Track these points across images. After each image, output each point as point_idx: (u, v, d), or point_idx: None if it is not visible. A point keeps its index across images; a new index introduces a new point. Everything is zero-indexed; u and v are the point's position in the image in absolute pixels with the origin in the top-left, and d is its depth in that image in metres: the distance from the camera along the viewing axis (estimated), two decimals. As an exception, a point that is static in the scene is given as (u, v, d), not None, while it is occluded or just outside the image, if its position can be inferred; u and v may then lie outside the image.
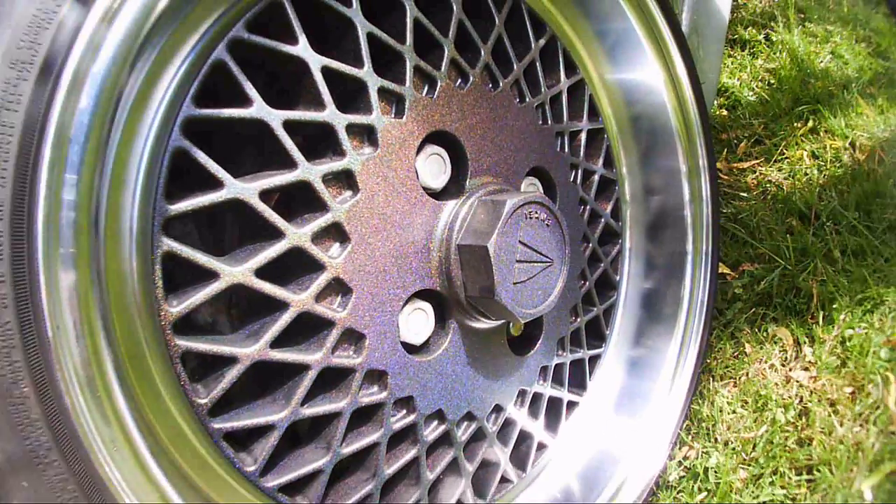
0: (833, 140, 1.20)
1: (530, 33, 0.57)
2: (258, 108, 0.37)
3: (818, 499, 0.69)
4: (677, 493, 0.71)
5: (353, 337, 0.42)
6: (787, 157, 1.16)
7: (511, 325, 0.57)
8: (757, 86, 1.42)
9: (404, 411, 0.47)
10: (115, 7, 0.31)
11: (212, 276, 0.37)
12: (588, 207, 0.65)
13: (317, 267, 0.40)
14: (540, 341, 0.58)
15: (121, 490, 0.34)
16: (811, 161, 1.15)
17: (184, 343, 0.37)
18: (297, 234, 0.39)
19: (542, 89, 0.58)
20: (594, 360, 0.68)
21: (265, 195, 0.38)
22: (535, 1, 0.59)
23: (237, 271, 0.37)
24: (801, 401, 0.76)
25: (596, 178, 0.67)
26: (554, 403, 0.63)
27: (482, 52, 0.51)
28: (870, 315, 0.84)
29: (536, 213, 0.49)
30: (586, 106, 0.64)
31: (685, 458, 0.73)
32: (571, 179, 0.63)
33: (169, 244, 0.36)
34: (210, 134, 0.38)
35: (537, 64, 0.57)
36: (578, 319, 0.64)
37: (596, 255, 0.67)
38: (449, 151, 0.49)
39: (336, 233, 0.41)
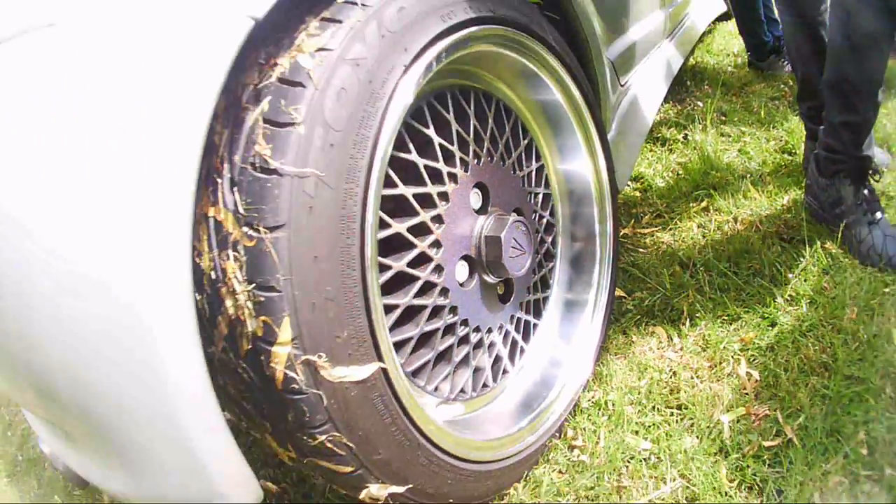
0: (719, 216, 1.86)
1: (521, 137, 1.23)
2: (414, 156, 1.00)
3: (686, 424, 1.25)
4: (588, 415, 1.31)
5: (438, 269, 1.04)
6: (679, 227, 1.83)
7: (498, 286, 1.19)
8: (667, 175, 2.09)
9: (452, 315, 1.08)
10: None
11: (388, 226, 0.97)
12: (539, 236, 1.30)
13: (429, 232, 1.02)
14: (512, 298, 1.22)
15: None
16: (698, 230, 1.82)
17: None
18: (425, 216, 1.00)
19: (523, 168, 1.24)
20: (536, 325, 1.32)
21: (413, 195, 1.00)
22: (525, 118, 1.26)
23: (398, 227, 0.98)
24: (671, 368, 1.38)
25: (545, 220, 1.33)
26: (514, 343, 1.26)
27: (500, 145, 1.16)
28: (727, 325, 1.47)
29: (520, 226, 1.13)
30: (544, 180, 1.32)
31: (592, 396, 1.35)
32: (533, 219, 1.28)
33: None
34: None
35: (522, 154, 1.23)
36: (530, 296, 1.28)
37: (541, 263, 1.32)
38: (482, 192, 1.13)
39: (439, 219, 1.03)
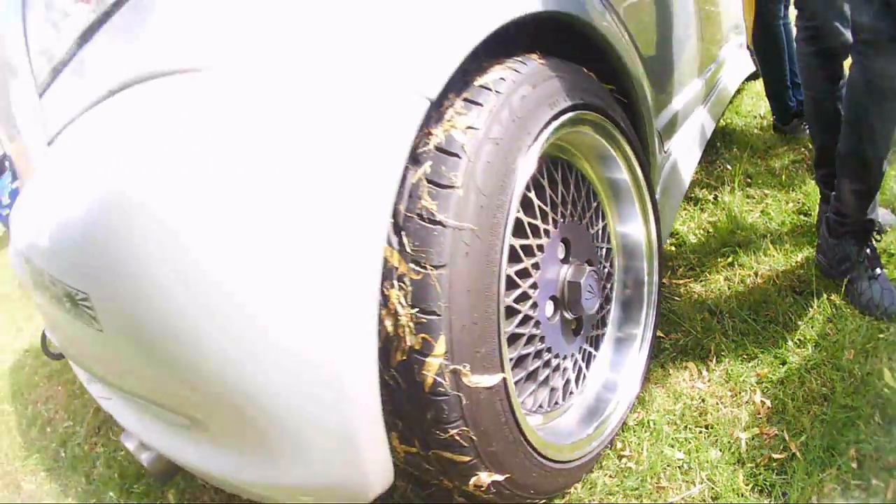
0: (743, 270, 2.16)
1: (592, 202, 1.54)
2: (521, 214, 1.29)
3: (712, 439, 1.55)
4: (633, 431, 1.60)
5: (534, 305, 1.33)
6: (708, 279, 2.14)
7: (572, 322, 1.48)
8: (699, 232, 2.41)
9: (540, 343, 1.38)
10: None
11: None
12: (602, 283, 1.60)
13: (529, 276, 1.31)
14: (581, 333, 1.51)
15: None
16: (724, 282, 2.12)
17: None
18: (527, 262, 1.30)
19: (593, 227, 1.54)
20: (595, 356, 1.61)
21: (520, 245, 1.29)
22: (596, 187, 1.58)
23: (509, 271, 1.26)
24: (700, 396, 1.68)
25: (605, 270, 1.62)
26: (579, 370, 1.54)
27: (578, 208, 1.46)
28: (746, 362, 1.77)
29: (593, 274, 1.43)
30: (606, 237, 1.62)
31: (637, 416, 1.64)
32: (599, 268, 1.57)
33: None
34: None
35: (592, 216, 1.53)
36: (593, 331, 1.57)
37: (602, 305, 1.61)
38: (566, 245, 1.43)
39: (536, 266, 1.33)
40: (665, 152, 2.08)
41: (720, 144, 3.18)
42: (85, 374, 1.51)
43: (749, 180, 2.76)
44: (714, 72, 2.96)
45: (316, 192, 0.90)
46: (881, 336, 1.76)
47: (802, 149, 3.07)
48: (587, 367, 1.60)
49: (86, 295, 0.96)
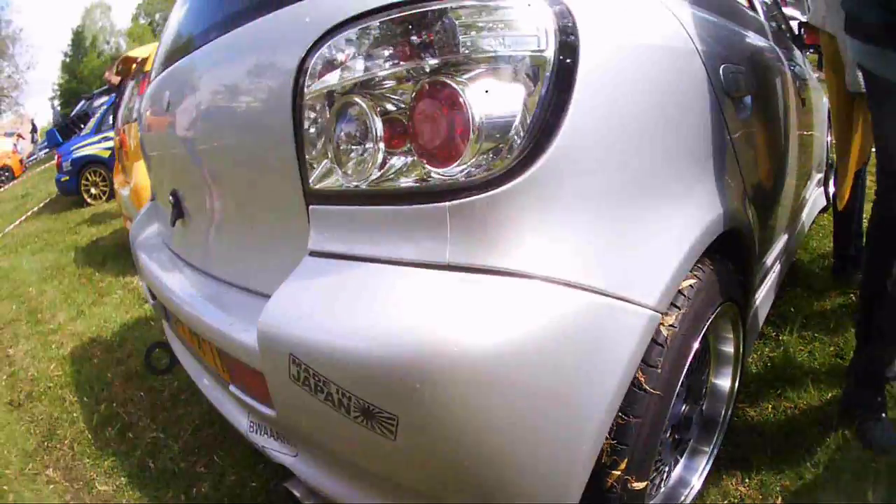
0: (786, 402, 2.85)
1: (704, 358, 2.22)
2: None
3: None
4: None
5: (664, 432, 2.00)
6: (761, 406, 2.83)
7: (675, 441, 2.16)
8: (759, 365, 3.11)
9: (658, 456, 2.04)
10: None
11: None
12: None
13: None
14: (678, 447, 2.22)
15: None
16: (771, 410, 2.81)
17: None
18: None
19: (701, 377, 2.23)
20: (678, 462, 2.29)
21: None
22: (711, 353, 2.25)
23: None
24: (740, 496, 2.29)
25: (698, 409, 2.30)
26: (669, 472, 2.22)
27: (699, 365, 2.14)
28: (776, 475, 2.41)
29: (700, 411, 2.09)
30: (706, 382, 2.30)
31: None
32: (701, 405, 2.25)
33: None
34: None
35: (704, 369, 2.22)
36: (683, 445, 2.25)
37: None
38: (687, 390, 2.14)
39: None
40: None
41: (786, 280, 3.81)
42: (248, 423, 1.78)
43: (805, 321, 3.44)
44: (798, 217, 3.52)
45: (586, 368, 1.27)
46: (873, 465, 2.40)
47: (852, 295, 3.71)
48: (673, 468, 2.28)
49: (394, 416, 1.16)
